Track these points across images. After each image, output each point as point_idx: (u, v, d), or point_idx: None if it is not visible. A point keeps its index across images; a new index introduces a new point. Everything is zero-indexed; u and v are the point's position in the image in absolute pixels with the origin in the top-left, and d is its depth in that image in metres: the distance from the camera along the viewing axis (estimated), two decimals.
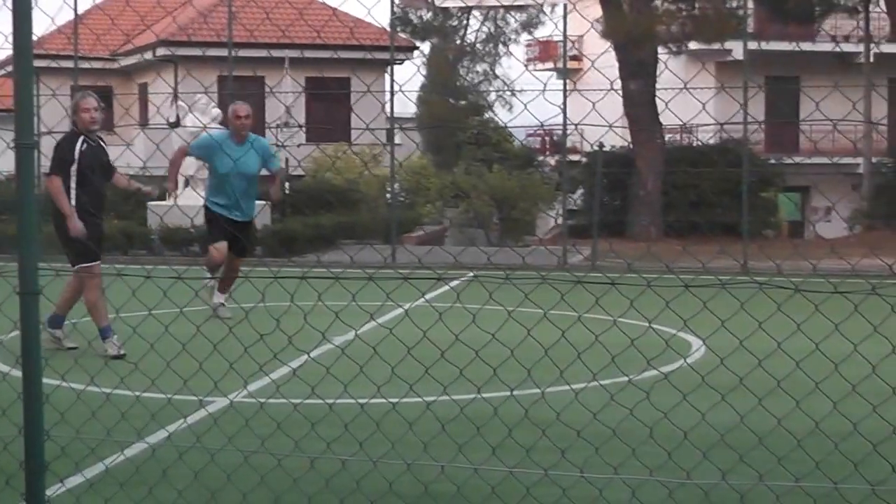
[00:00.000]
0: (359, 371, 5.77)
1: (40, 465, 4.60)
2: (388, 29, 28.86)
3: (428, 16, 51.17)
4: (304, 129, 31.32)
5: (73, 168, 10.44)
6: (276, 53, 31.44)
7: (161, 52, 34.81)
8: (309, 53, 30.70)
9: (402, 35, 43.08)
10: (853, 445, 5.81)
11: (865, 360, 4.98)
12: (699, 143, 33.00)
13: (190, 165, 26.36)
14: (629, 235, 29.31)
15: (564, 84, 24.58)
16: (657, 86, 29.59)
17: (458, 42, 53.83)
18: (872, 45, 35.26)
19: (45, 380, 4.61)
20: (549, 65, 45.63)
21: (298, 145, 28.87)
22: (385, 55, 28.89)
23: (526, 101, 5.64)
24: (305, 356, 9.04)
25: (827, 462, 5.82)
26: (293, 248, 22.42)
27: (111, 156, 11.44)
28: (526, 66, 47.71)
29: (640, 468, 5.97)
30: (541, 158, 37.92)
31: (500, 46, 55.54)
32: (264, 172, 13.00)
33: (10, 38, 4.51)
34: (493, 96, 51.90)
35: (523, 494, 5.49)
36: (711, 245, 19.02)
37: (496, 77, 55.06)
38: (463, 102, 41.76)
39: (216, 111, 27.61)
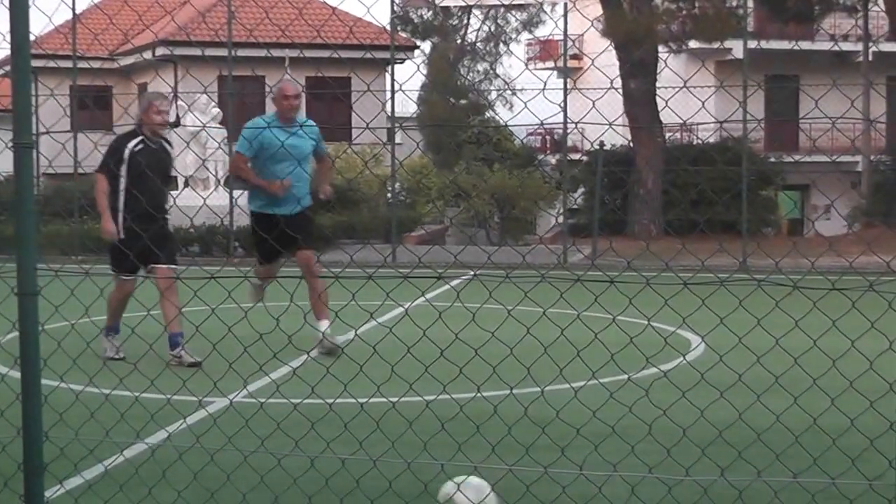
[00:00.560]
0: (359, 370, 5.77)
1: (39, 466, 4.59)
2: (388, 28, 28.88)
3: (428, 15, 51.20)
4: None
5: (123, 168, 10.14)
6: (275, 53, 31.47)
7: (160, 51, 34.81)
8: (308, 53, 30.73)
9: (403, 34, 43.11)
10: (850, 441, 5.81)
11: (863, 356, 4.99)
12: (699, 142, 33.02)
13: (190, 165, 26.39)
14: (629, 234, 29.33)
15: (565, 83, 24.59)
16: (657, 84, 29.61)
17: (459, 41, 53.84)
18: (871, 44, 35.28)
19: (43, 381, 4.61)
20: (550, 64, 45.63)
21: None
22: (385, 54, 28.89)
23: (526, 99, 5.65)
24: (305, 356, 9.06)
25: (824, 458, 5.82)
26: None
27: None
28: (526, 64, 47.71)
29: (639, 465, 5.97)
30: (541, 157, 37.93)
31: (501, 45, 55.56)
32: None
33: (8, 38, 4.51)
34: (493, 95, 51.90)
35: (523, 492, 5.49)
36: (711, 243, 19.02)
37: (497, 76, 55.08)
38: (463, 101, 41.75)
39: (216, 110, 27.62)
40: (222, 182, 26.10)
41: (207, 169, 25.98)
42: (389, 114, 25.65)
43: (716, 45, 30.97)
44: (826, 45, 37.06)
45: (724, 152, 28.47)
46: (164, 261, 9.73)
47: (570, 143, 26.34)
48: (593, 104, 4.96)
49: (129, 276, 9.77)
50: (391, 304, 6.05)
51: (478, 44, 55.47)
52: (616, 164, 29.37)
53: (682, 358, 9.19)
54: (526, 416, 5.74)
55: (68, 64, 25.77)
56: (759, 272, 16.45)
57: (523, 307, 5.44)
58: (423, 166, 33.74)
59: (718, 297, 5.01)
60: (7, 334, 5.77)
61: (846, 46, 36.93)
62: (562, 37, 27.31)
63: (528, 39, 52.31)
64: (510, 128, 34.57)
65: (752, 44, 28.52)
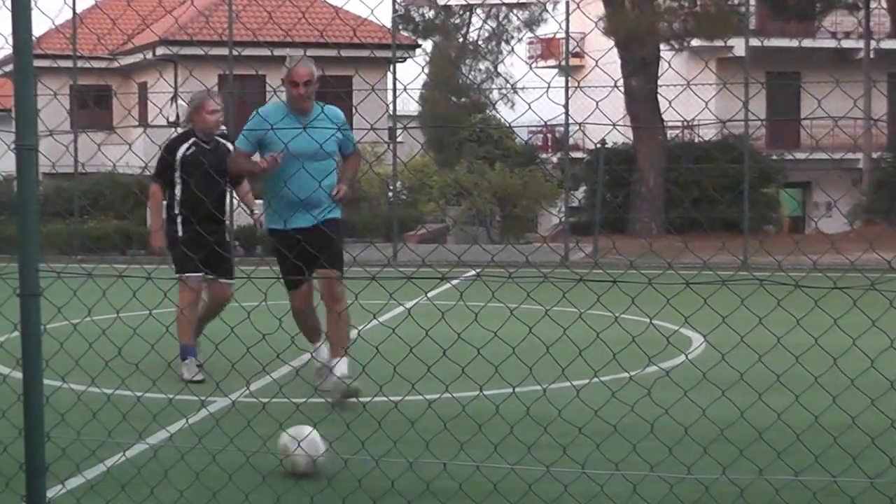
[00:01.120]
0: (361, 370, 5.78)
1: (41, 466, 4.60)
2: (390, 27, 28.90)
3: (430, 14, 51.19)
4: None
5: (177, 175, 9.62)
6: (278, 52, 31.43)
7: (161, 51, 34.82)
8: (311, 52, 30.72)
9: (404, 33, 43.08)
10: (852, 439, 5.82)
11: (864, 354, 4.99)
12: (701, 140, 33.02)
13: None
14: (631, 232, 29.33)
15: (567, 82, 24.59)
16: (659, 83, 29.62)
17: (461, 40, 53.83)
18: (872, 42, 35.28)
19: (45, 381, 4.61)
20: (552, 62, 45.61)
21: None
22: (387, 53, 28.92)
23: (529, 99, 5.65)
24: (307, 356, 9.06)
25: (826, 456, 5.82)
26: None
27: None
28: (529, 63, 47.73)
29: (640, 464, 5.97)
30: (543, 156, 37.93)
31: (503, 44, 55.54)
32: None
33: (10, 39, 4.51)
34: (495, 94, 51.89)
35: (525, 491, 5.50)
36: (713, 241, 19.04)
37: (498, 75, 55.06)
38: (465, 100, 41.74)
39: None
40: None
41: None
42: (391, 113, 25.66)
43: (717, 43, 30.98)
44: (828, 43, 37.06)
45: (726, 150, 28.47)
46: (227, 275, 9.59)
47: (571, 141, 26.34)
48: (597, 105, 4.97)
49: (197, 274, 9.39)
50: (393, 304, 6.06)
51: (480, 42, 55.47)
52: (618, 162, 29.38)
53: (683, 356, 9.23)
54: (528, 415, 5.74)
55: (69, 64, 25.78)
56: (760, 270, 16.45)
57: (525, 306, 5.45)
58: (425, 165, 33.74)
59: (720, 296, 5.01)
60: (9, 334, 5.73)
61: (848, 44, 36.94)
62: (563, 35, 27.31)
63: (530, 38, 52.30)
64: (512, 127, 34.58)
65: (754, 41, 28.53)
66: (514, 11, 52.17)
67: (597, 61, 5.21)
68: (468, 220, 29.48)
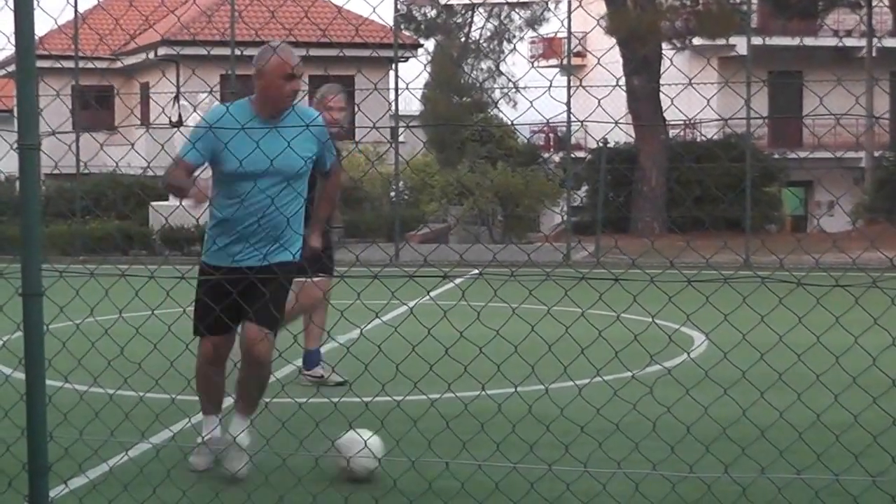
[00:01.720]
0: (363, 369, 5.78)
1: (43, 466, 4.60)
2: (392, 26, 28.91)
3: (432, 13, 51.21)
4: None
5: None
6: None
7: (163, 51, 34.84)
8: (314, 52, 30.72)
9: (407, 33, 43.11)
10: (854, 437, 5.82)
11: (866, 352, 5.00)
12: (703, 139, 33.02)
13: None
14: (633, 231, 29.33)
15: (569, 81, 24.59)
16: (661, 81, 29.62)
17: (463, 39, 53.83)
18: (875, 40, 35.27)
19: (47, 381, 4.62)
20: (554, 61, 45.62)
21: None
22: (390, 52, 28.93)
23: (531, 98, 5.66)
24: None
25: (828, 454, 5.83)
26: None
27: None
28: (530, 63, 47.72)
29: (643, 462, 5.98)
30: (545, 155, 37.93)
31: (505, 43, 55.54)
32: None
33: (12, 39, 4.51)
34: (497, 93, 51.90)
35: (527, 490, 5.50)
36: (715, 240, 19.04)
37: (500, 74, 55.06)
38: (467, 99, 41.75)
39: None
40: None
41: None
42: (394, 112, 25.68)
43: (719, 42, 30.98)
44: (830, 42, 37.05)
45: (728, 149, 28.47)
46: (329, 270, 8.89)
47: (573, 140, 26.34)
48: (598, 102, 4.97)
49: (323, 276, 8.71)
50: (396, 303, 6.06)
51: (482, 42, 55.47)
52: (620, 161, 29.37)
53: (685, 355, 9.23)
54: (530, 413, 5.75)
55: (71, 64, 25.78)
56: (762, 269, 16.45)
57: (527, 305, 5.45)
58: (427, 164, 33.73)
59: (722, 294, 5.02)
60: (11, 334, 5.74)
61: (850, 42, 36.94)
62: (566, 34, 27.31)
63: (532, 37, 52.30)
64: (514, 126, 34.59)
65: (756, 40, 28.54)
66: (516, 10, 52.21)
67: (598, 59, 5.23)
68: (470, 219, 29.48)
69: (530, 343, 5.72)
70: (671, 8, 29.83)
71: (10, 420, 5.95)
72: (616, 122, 5.28)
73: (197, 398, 6.44)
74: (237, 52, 25.63)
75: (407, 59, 34.26)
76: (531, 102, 5.57)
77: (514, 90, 49.71)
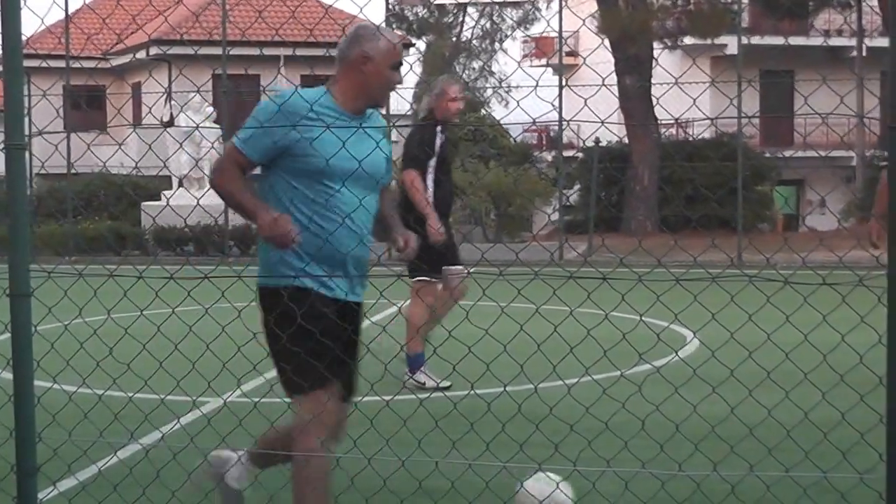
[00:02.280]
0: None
1: (32, 467, 4.60)
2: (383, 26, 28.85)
3: (423, 12, 51.23)
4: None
5: (432, 162, 8.77)
6: (268, 52, 31.43)
7: (154, 51, 34.81)
8: (301, 51, 30.74)
9: (398, 32, 43.10)
10: (841, 435, 5.82)
11: (853, 350, 5.00)
12: (694, 138, 33.07)
13: (184, 164, 26.36)
14: (625, 230, 29.36)
15: (560, 80, 24.60)
16: (652, 81, 29.66)
17: (454, 39, 53.86)
18: (864, 40, 35.36)
19: (36, 382, 4.61)
20: (545, 61, 45.67)
21: None
22: None
23: (521, 97, 5.66)
24: None
25: (816, 452, 5.84)
26: None
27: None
28: (519, 63, 47.72)
29: (632, 461, 5.99)
30: (537, 154, 37.98)
31: (496, 43, 55.59)
32: None
33: None
34: (489, 93, 51.96)
35: (517, 489, 5.50)
36: (706, 239, 19.03)
37: (492, 74, 55.11)
38: None
39: (210, 109, 27.59)
40: None
41: (202, 169, 25.99)
42: (385, 112, 25.67)
43: (710, 42, 31.03)
44: (820, 41, 37.12)
45: (719, 148, 28.52)
46: (459, 262, 8.86)
47: (565, 139, 26.36)
48: (585, 102, 4.96)
49: (437, 278, 8.76)
50: (385, 303, 6.06)
51: (473, 41, 55.50)
52: (611, 160, 29.41)
53: (674, 354, 9.23)
54: (520, 412, 5.75)
55: (61, 64, 25.76)
56: (753, 268, 16.47)
57: (516, 304, 5.45)
58: None
59: (711, 293, 5.02)
60: None
61: (840, 42, 37.02)
62: (556, 34, 27.32)
63: (524, 37, 52.35)
64: (505, 125, 34.64)
65: (747, 40, 28.57)
66: (507, 10, 52.25)
67: (584, 59, 5.24)
68: (463, 218, 29.51)
69: (519, 342, 5.72)
70: (662, 7, 29.88)
71: None
72: (602, 122, 5.28)
73: (186, 398, 6.41)
74: (227, 51, 25.60)
75: None
76: (517, 102, 5.57)
77: (505, 90, 49.80)
